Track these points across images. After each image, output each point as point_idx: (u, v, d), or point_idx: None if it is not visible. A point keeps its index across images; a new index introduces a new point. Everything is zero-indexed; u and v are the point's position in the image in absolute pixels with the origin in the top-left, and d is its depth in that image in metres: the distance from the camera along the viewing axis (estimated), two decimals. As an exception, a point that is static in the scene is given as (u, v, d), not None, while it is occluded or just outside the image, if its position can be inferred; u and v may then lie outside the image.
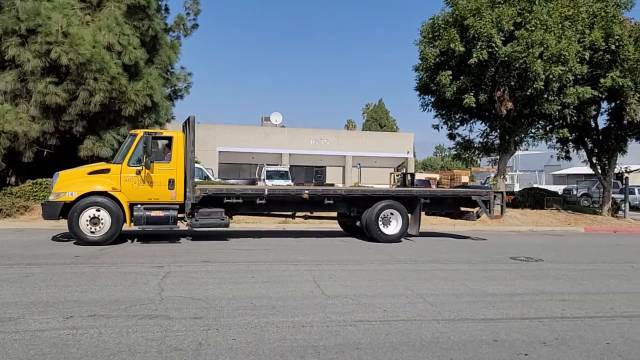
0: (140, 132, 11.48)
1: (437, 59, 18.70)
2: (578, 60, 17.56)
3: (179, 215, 11.61)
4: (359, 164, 43.43)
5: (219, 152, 39.03)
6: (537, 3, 17.76)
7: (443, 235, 14.86)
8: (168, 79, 24.87)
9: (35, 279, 7.26)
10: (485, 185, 39.05)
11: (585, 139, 22.90)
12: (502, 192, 14.75)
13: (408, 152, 47.33)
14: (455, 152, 23.12)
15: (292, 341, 4.78)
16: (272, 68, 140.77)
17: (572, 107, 18.39)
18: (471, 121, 21.56)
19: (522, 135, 20.98)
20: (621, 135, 21.94)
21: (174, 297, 6.32)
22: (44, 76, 17.19)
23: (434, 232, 15.33)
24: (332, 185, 35.13)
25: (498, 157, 21.66)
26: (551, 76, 17.04)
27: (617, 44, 18.00)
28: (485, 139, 21.56)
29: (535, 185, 36.43)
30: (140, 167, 11.12)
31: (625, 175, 24.99)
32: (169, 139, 11.68)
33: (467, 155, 22.59)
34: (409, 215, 12.96)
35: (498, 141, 21.12)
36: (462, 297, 6.76)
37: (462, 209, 14.21)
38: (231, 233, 13.36)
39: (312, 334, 5.01)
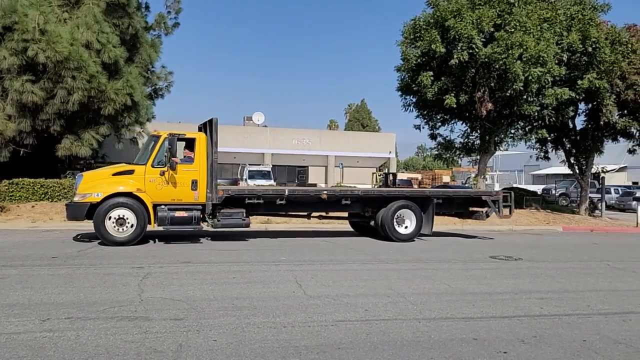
0: (164, 134, 11.49)
1: (419, 60, 18.82)
2: (556, 61, 17.84)
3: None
4: (341, 164, 43.49)
5: (201, 151, 38.78)
6: (516, 5, 17.99)
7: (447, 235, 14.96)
8: (148, 77, 24.63)
9: (11, 280, 7.12)
10: (466, 185, 39.47)
11: (564, 140, 23.29)
12: (511, 193, 15.09)
13: (390, 152, 47.54)
14: (436, 152, 23.30)
15: (273, 342, 4.76)
16: (255, 68, 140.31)
17: (550, 108, 18.68)
18: (452, 121, 21.76)
19: (502, 135, 21.24)
20: (598, 136, 22.36)
21: (153, 298, 6.24)
22: (20, 74, 16.88)
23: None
24: (315, 185, 35.15)
25: (478, 157, 21.92)
26: (530, 77, 17.27)
27: (593, 46, 18.33)
28: (466, 139, 21.78)
29: (514, 185, 36.90)
30: (165, 168, 11.22)
31: (602, 175, 25.50)
32: (192, 140, 11.73)
33: (448, 155, 22.79)
34: (422, 215, 13.23)
35: (478, 141, 21.35)
36: (443, 296, 6.80)
37: (471, 209, 14.56)
38: (230, 234, 13.28)
39: (293, 334, 5.00)
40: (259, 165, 35.50)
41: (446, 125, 21.97)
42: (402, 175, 49.03)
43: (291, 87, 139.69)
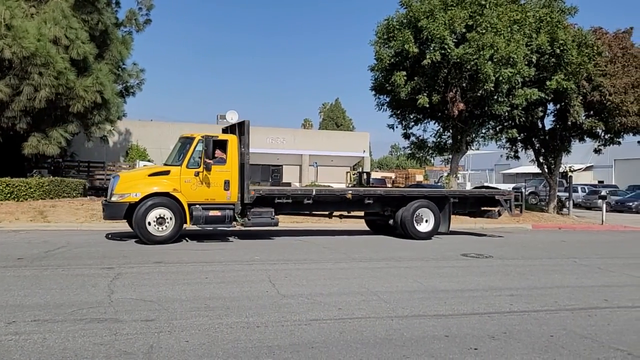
0: (197, 136, 11.90)
1: (392, 60, 18.96)
2: (526, 63, 18.21)
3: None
4: (316, 163, 43.52)
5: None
6: (487, 7, 18.29)
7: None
8: (119, 75, 24.21)
9: (-26, 283, 6.89)
10: (439, 184, 39.94)
11: (533, 139, 23.81)
12: (521, 192, 15.84)
13: (364, 151, 47.79)
14: (409, 152, 23.55)
15: (246, 342, 4.72)
16: (228, 67, 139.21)
17: (520, 108, 19.06)
18: (425, 121, 22.02)
19: (474, 135, 21.59)
20: (566, 136, 22.93)
21: (124, 300, 6.13)
22: (-16, 70, 16.37)
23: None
24: (289, 184, 35.08)
25: (451, 156, 22.20)
26: (501, 78, 17.59)
27: (561, 48, 18.77)
28: (438, 139, 22.05)
29: (486, 184, 37.55)
30: (199, 169, 11.62)
31: (570, 174, 26.18)
32: (224, 142, 12.09)
33: (421, 154, 23.04)
34: (440, 214, 13.77)
35: (450, 141, 21.64)
36: (415, 294, 6.87)
37: (483, 208, 15.10)
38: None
39: (266, 334, 4.98)
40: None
41: (419, 124, 22.24)
42: (376, 174, 49.44)
43: (265, 86, 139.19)
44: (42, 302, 5.93)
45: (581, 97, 20.60)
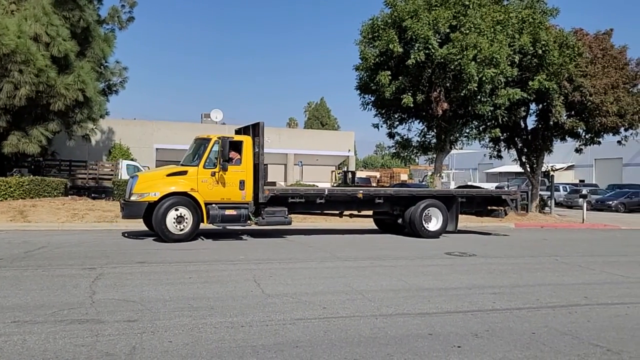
0: (214, 137, 12.27)
1: (377, 59, 19.02)
2: (509, 63, 18.38)
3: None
4: (301, 162, 43.46)
5: (156, 149, 37.81)
6: (471, 7, 18.42)
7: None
8: (102, 73, 23.92)
9: (-49, 284, 6.76)
10: (423, 183, 40.20)
11: (516, 139, 24.07)
12: (527, 192, 16.25)
13: (349, 151, 47.85)
14: (394, 151, 23.63)
15: (230, 341, 4.70)
16: (214, 65, 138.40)
17: (503, 108, 19.24)
18: (409, 121, 22.10)
19: (457, 134, 21.73)
20: (548, 136, 23.23)
21: (106, 300, 6.06)
22: (-37, 67, 16.06)
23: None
24: (274, 183, 34.95)
25: (435, 155, 22.34)
26: (484, 78, 17.74)
27: (543, 49, 18.99)
28: (422, 138, 22.16)
29: (469, 183, 37.84)
30: (216, 169, 11.98)
31: (552, 173, 26.52)
32: (239, 143, 12.44)
33: (405, 153, 23.13)
34: (448, 213, 14.11)
35: (435, 140, 21.76)
36: (400, 293, 6.90)
37: (490, 207, 15.45)
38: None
39: (251, 333, 4.96)
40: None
41: (404, 124, 22.31)
42: (361, 174, 49.49)
43: (250, 85, 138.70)
44: (22, 303, 5.83)
45: (563, 98, 20.88)
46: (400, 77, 18.87)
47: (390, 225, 14.98)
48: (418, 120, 21.93)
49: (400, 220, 14.26)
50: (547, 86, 19.21)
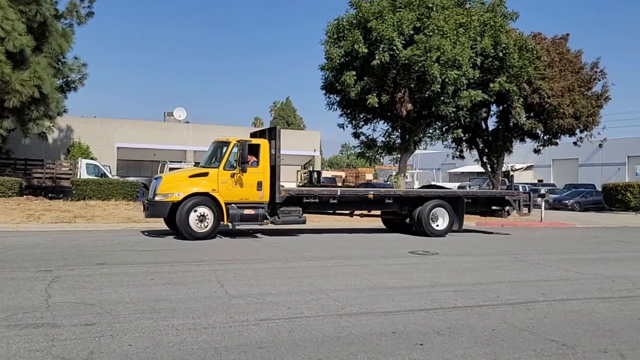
0: (233, 140, 12.90)
1: (342, 59, 19.12)
2: (471, 65, 18.78)
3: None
4: (266, 162, 43.26)
5: (118, 148, 36.92)
6: (434, 9, 18.73)
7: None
8: (59, 69, 23.19)
9: None
10: (388, 183, 40.62)
11: (477, 140, 24.62)
12: (530, 193, 17.13)
13: (315, 150, 47.91)
14: (359, 151, 23.82)
15: (192, 344, 4.62)
16: (177, 65, 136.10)
17: (465, 109, 19.64)
18: (374, 121, 22.33)
19: (421, 135, 22.08)
20: (508, 137, 23.85)
21: (62, 304, 5.87)
22: None
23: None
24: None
25: (399, 155, 22.61)
26: (447, 80, 18.06)
27: (504, 51, 19.48)
28: (387, 138, 22.41)
29: (433, 183, 38.43)
30: (235, 171, 12.61)
31: (511, 173, 27.17)
32: (257, 146, 13.09)
33: (370, 153, 23.35)
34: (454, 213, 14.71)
35: (399, 141, 22.04)
36: (364, 292, 6.94)
37: (494, 207, 16.07)
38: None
39: (214, 335, 4.89)
40: (181, 162, 34.48)
41: (369, 124, 22.53)
42: (327, 173, 49.66)
43: (215, 84, 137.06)
44: (-27, 308, 5.58)
45: (522, 99, 21.48)
46: (365, 78, 19.01)
47: (398, 224, 15.52)
48: (383, 121, 22.18)
49: (408, 220, 14.85)
50: (507, 88, 19.72)
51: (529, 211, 16.34)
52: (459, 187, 36.89)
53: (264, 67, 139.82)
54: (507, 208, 15.89)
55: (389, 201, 14.34)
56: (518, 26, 25.71)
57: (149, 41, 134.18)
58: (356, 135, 22.88)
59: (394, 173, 26.50)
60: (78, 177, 23.02)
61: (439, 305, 6.29)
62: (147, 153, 38.89)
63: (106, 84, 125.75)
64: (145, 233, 13.50)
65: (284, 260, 9.58)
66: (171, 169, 29.48)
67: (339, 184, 41.96)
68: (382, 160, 39.24)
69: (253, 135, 14.49)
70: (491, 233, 16.17)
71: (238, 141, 12.73)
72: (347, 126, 22.54)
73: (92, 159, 28.94)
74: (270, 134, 13.51)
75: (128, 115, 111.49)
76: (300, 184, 37.35)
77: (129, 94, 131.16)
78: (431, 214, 14.37)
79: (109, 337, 4.73)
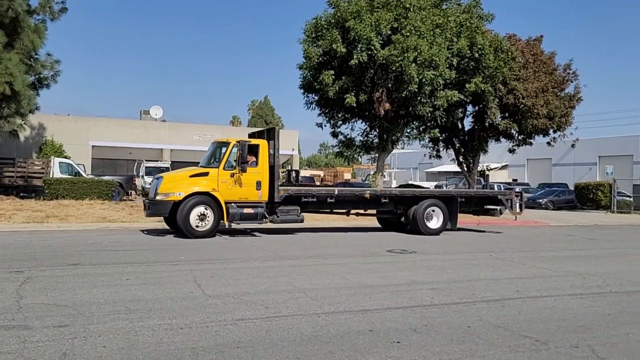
0: (233, 140, 13.10)
1: (321, 59, 19.13)
2: (447, 65, 18.98)
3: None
4: (244, 161, 43.02)
5: (92, 146, 36.28)
6: (411, 10, 18.87)
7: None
8: (32, 65, 22.66)
9: None
10: (366, 182, 40.81)
11: (454, 139, 24.91)
12: (521, 192, 17.37)
13: (293, 149, 47.83)
14: (338, 150, 23.86)
15: (169, 344, 4.57)
16: (155, 63, 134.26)
17: (442, 109, 19.83)
18: (353, 120, 22.39)
19: (399, 134, 22.22)
20: (483, 137, 24.19)
21: (34, 305, 5.74)
22: None
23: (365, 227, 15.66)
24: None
25: (377, 155, 22.73)
26: (424, 80, 18.22)
27: (480, 52, 19.74)
28: (365, 138, 22.50)
29: (410, 182, 38.77)
30: (235, 171, 12.80)
31: (487, 172, 27.60)
32: (257, 146, 13.31)
33: (349, 153, 23.41)
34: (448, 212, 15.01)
35: (377, 140, 22.14)
36: (342, 290, 6.96)
37: (487, 206, 16.32)
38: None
39: (190, 335, 4.84)
40: (157, 161, 34.07)
41: (347, 123, 22.58)
42: (305, 173, 49.60)
43: (193, 83, 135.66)
44: (-60, 311, 5.42)
45: (497, 100, 21.81)
46: (343, 77, 19.06)
47: (393, 223, 15.70)
48: (361, 120, 22.25)
49: (403, 219, 15.05)
50: (483, 89, 19.98)
51: (521, 210, 16.64)
52: (435, 187, 37.27)
53: (242, 66, 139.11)
54: (499, 207, 16.22)
55: (385, 200, 14.62)
56: (493, 27, 26.08)
57: (124, 41, 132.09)
58: (334, 135, 22.92)
59: (372, 172, 26.65)
60: (51, 176, 22.55)
61: (416, 303, 6.35)
62: (122, 152, 38.33)
63: (80, 82, 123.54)
64: (145, 232, 13.60)
65: (261, 259, 9.55)
66: (147, 168, 29.21)
67: (317, 183, 41.97)
68: (360, 159, 39.43)
69: (251, 135, 14.70)
70: (483, 232, 16.45)
71: (238, 141, 12.93)
72: (325, 125, 22.57)
73: (65, 157, 28.38)
74: (269, 134, 13.72)
75: (103, 113, 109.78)
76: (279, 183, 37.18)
77: (103, 92, 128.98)
78: (426, 213, 14.67)
79: (82, 338, 4.65)
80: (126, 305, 5.85)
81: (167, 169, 29.43)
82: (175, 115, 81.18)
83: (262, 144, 13.43)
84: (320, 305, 6.10)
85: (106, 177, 24.05)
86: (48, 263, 8.48)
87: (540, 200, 33.57)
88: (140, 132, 39.48)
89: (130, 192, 26.92)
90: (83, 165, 28.56)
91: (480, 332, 5.19)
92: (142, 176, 28.37)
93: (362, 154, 24.42)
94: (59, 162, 24.49)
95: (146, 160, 31.16)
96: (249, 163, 12.96)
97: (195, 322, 5.26)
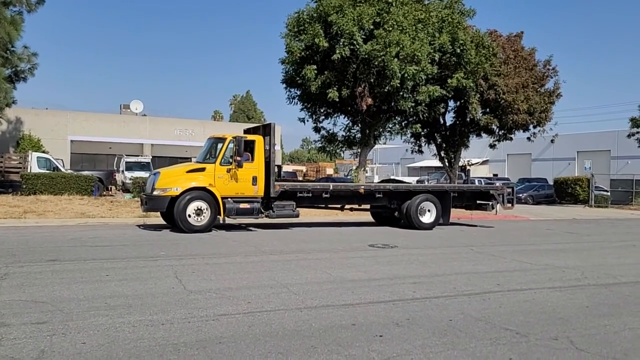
0: (229, 136, 13.25)
1: (303, 53, 19.05)
2: (429, 61, 19.06)
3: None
4: (226, 156, 42.71)
5: (71, 141, 35.67)
6: (394, 5, 18.89)
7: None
8: (8, 58, 22.20)
9: None
10: (348, 177, 40.89)
11: (435, 135, 25.09)
12: (513, 187, 17.63)
13: (275, 145, 47.76)
14: (320, 145, 23.83)
15: (150, 340, 4.52)
16: (136, 57, 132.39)
17: (424, 104, 19.93)
18: (335, 115, 22.38)
19: (381, 129, 22.29)
20: (465, 132, 24.41)
21: (11, 302, 5.63)
22: None
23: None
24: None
25: (359, 150, 22.77)
26: (406, 75, 18.27)
27: (461, 48, 19.87)
28: (348, 133, 22.52)
29: (392, 177, 38.92)
30: (231, 166, 12.90)
31: (468, 167, 27.93)
32: (253, 142, 13.40)
33: (331, 148, 23.40)
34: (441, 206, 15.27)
35: (359, 135, 22.18)
36: (324, 285, 6.97)
37: (479, 201, 16.64)
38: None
39: (172, 331, 4.80)
40: (138, 156, 33.63)
41: (329, 118, 22.56)
42: (288, 168, 49.45)
43: (175, 77, 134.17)
44: None
45: (478, 95, 22.00)
46: (325, 72, 19.01)
47: (387, 218, 15.90)
48: (343, 115, 22.25)
49: (396, 214, 15.26)
50: (464, 84, 20.12)
51: (513, 205, 16.95)
52: (417, 182, 37.49)
53: (224, 60, 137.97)
54: (491, 202, 16.47)
55: (379, 195, 14.84)
56: (475, 23, 26.33)
57: (103, 36, 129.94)
58: (317, 130, 22.88)
59: (354, 167, 26.71)
60: (28, 170, 22.13)
61: (398, 297, 6.38)
62: (102, 146, 37.76)
63: (59, 76, 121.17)
64: (142, 227, 13.59)
65: (243, 254, 9.50)
66: (127, 163, 28.84)
67: (300, 178, 41.91)
68: (342, 154, 39.43)
69: (247, 131, 14.79)
70: (475, 226, 16.67)
71: (234, 137, 13.01)
72: (307, 120, 22.50)
73: (43, 152, 27.86)
74: (265, 130, 13.82)
75: (82, 108, 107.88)
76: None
77: (83, 87, 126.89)
78: (419, 207, 14.88)
79: (61, 335, 4.57)
80: (106, 301, 5.78)
81: (147, 164, 29.14)
82: (156, 110, 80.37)
83: (258, 139, 13.52)
84: (302, 300, 6.09)
85: (85, 172, 23.69)
86: (26, 259, 8.32)
87: (520, 195, 33.97)
88: (120, 127, 38.94)
89: (110, 187, 26.56)
90: (61, 159, 28.08)
91: (462, 326, 5.24)
92: (123, 171, 27.99)
93: (344, 149, 24.46)
94: (37, 157, 24.05)
95: (126, 155, 30.73)
96: (246, 158, 13.07)
97: (176, 317, 5.22)
